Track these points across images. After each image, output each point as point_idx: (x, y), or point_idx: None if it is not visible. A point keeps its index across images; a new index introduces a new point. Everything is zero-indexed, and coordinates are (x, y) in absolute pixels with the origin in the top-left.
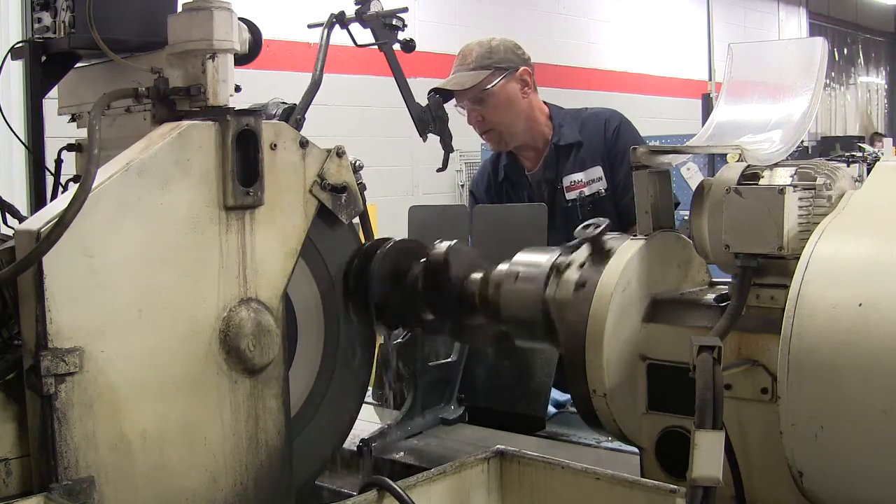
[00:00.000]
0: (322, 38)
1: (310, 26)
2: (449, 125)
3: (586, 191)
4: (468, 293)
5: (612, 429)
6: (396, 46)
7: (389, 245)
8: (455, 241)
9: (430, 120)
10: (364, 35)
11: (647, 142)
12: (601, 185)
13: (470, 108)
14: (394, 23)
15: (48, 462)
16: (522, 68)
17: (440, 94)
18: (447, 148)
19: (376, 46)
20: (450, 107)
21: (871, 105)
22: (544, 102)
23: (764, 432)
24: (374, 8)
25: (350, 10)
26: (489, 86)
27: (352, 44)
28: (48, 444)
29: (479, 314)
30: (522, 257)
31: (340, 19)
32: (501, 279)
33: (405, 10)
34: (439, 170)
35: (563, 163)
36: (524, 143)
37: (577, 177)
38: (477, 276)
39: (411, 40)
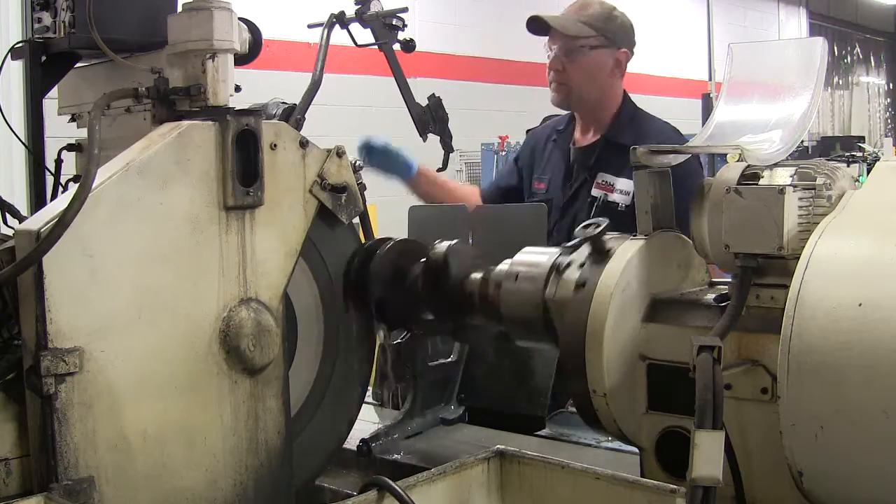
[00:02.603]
0: (322, 38)
1: (310, 26)
2: (449, 126)
3: (610, 196)
4: (468, 293)
5: (612, 429)
6: (396, 47)
7: (389, 245)
8: (455, 241)
9: (430, 120)
10: (364, 35)
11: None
12: (625, 200)
13: (557, 54)
14: (394, 23)
15: (48, 462)
16: (623, 49)
17: (535, 23)
18: (447, 148)
19: (376, 46)
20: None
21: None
22: (625, 94)
23: (764, 432)
24: (374, 8)
25: (350, 9)
26: (590, 47)
27: (351, 43)
28: (48, 444)
29: (479, 314)
30: (522, 257)
31: (340, 19)
32: (501, 279)
33: (405, 9)
34: (439, 170)
35: (605, 158)
36: (584, 115)
37: (610, 179)
38: (477, 275)
39: (411, 40)
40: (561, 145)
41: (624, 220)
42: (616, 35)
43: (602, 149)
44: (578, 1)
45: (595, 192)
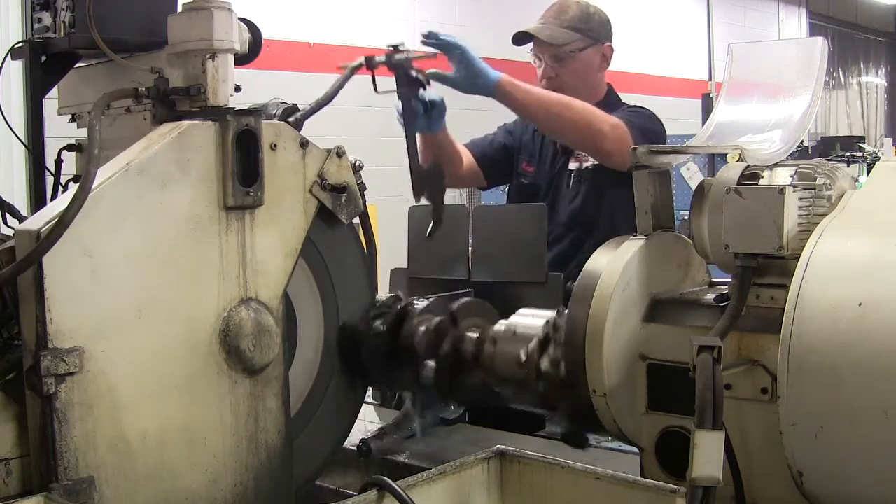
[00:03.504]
0: (346, 73)
1: (340, 67)
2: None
3: (584, 164)
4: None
5: (612, 429)
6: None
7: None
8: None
9: (426, 185)
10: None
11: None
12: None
13: (547, 62)
14: (420, 78)
15: (48, 462)
16: (607, 44)
17: (523, 37)
18: (437, 219)
19: (397, 96)
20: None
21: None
22: (609, 85)
23: (764, 432)
24: (403, 53)
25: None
26: (578, 50)
27: (350, 43)
28: (48, 444)
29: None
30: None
31: (369, 62)
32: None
33: (434, 55)
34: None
35: None
36: None
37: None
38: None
39: (432, 102)
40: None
41: (598, 174)
42: (598, 32)
43: None
44: (555, 5)
45: (572, 165)
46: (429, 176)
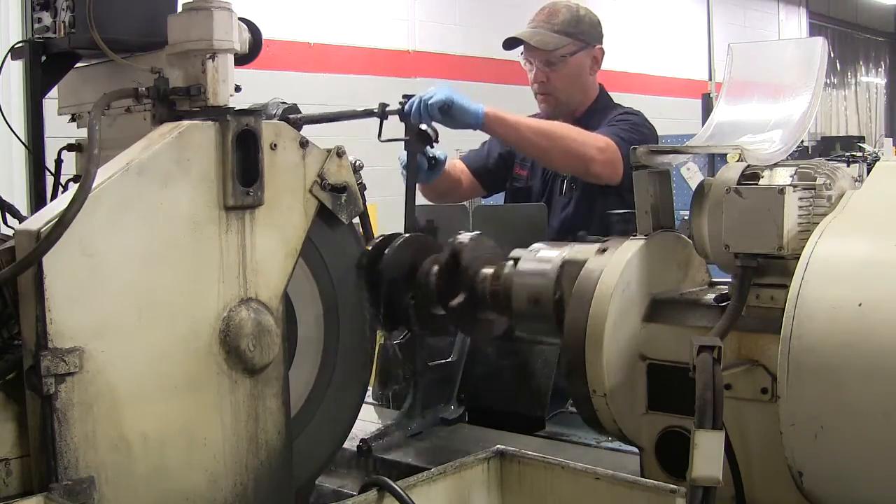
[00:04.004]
0: (358, 111)
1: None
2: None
3: None
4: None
5: (612, 429)
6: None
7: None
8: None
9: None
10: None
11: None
12: None
13: (539, 67)
14: (428, 132)
15: (48, 462)
16: (598, 46)
17: (514, 42)
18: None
19: (403, 146)
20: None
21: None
22: (601, 86)
23: (764, 432)
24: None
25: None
26: (569, 54)
27: (350, 43)
28: (48, 444)
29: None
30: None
31: (382, 110)
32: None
33: (451, 102)
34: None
35: None
36: (570, 113)
37: None
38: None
39: (437, 158)
40: None
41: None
42: (588, 35)
43: None
44: (545, 9)
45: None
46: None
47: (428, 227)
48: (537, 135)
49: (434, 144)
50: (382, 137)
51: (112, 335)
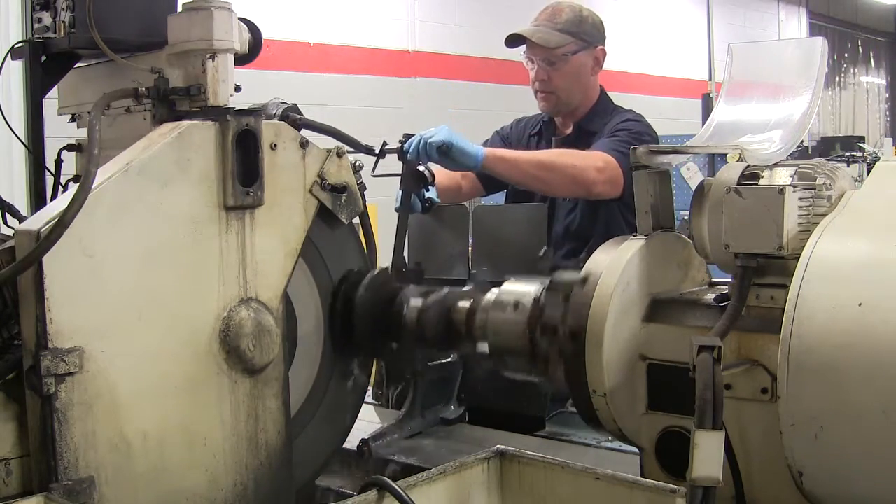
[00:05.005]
0: (357, 143)
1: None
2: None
3: None
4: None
5: (612, 429)
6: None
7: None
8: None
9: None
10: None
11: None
12: None
13: (540, 65)
14: (425, 174)
15: (48, 462)
16: (600, 47)
17: (516, 39)
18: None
19: (399, 183)
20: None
21: (870, 105)
22: (602, 88)
23: (764, 432)
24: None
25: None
26: (571, 53)
27: (350, 43)
28: (48, 444)
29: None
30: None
31: (381, 149)
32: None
33: (449, 144)
34: None
35: (576, 145)
36: (570, 113)
37: None
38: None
39: (431, 200)
40: (546, 137)
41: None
42: (590, 35)
43: (575, 136)
44: (548, 8)
45: None
46: (409, 275)
47: (416, 271)
48: (538, 168)
49: (430, 187)
50: (375, 172)
51: (112, 335)
